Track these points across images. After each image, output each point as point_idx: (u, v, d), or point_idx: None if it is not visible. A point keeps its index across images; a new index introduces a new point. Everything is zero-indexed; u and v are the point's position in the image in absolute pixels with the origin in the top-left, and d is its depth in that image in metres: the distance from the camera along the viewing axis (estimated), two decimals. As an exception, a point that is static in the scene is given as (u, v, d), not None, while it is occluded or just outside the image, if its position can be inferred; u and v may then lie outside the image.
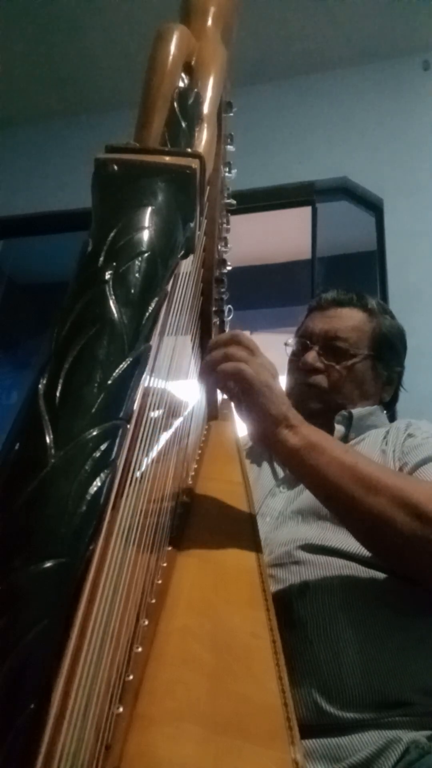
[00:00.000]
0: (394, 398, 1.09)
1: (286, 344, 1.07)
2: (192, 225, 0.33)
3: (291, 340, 1.07)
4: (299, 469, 0.66)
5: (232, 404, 0.75)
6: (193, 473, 0.79)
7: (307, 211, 2.27)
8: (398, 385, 1.08)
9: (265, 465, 0.99)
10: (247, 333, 0.70)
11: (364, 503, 0.61)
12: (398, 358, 1.06)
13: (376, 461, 0.80)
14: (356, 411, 0.96)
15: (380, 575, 0.72)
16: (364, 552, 0.72)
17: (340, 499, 0.63)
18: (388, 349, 1.03)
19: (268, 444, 0.68)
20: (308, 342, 1.01)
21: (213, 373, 0.66)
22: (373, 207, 2.16)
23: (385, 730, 0.60)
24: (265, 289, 2.53)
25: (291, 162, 2.27)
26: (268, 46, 2.28)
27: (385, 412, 1.06)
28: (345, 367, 0.98)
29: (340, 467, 0.63)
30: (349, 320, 1.01)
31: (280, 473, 0.95)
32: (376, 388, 1.03)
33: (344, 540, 0.74)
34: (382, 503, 0.61)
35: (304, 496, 0.84)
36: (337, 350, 0.99)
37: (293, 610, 0.69)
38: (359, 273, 2.26)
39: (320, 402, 0.97)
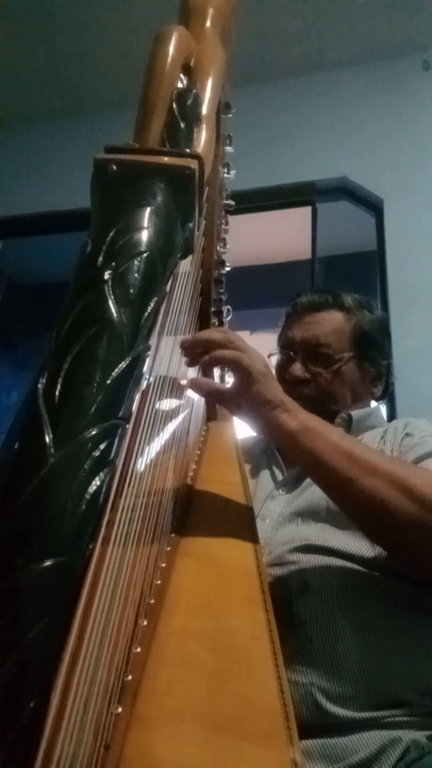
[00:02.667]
0: (386, 390, 1.08)
1: (269, 355, 1.06)
2: (191, 225, 0.34)
3: (274, 349, 1.07)
4: (297, 452, 0.67)
5: (227, 405, 0.74)
6: (191, 474, 0.79)
7: (307, 211, 2.27)
8: (389, 378, 1.08)
9: (265, 467, 0.99)
10: (246, 333, 0.70)
11: (360, 486, 0.62)
12: (383, 351, 1.06)
13: None
14: (355, 412, 0.96)
15: (380, 575, 0.72)
16: (364, 552, 0.72)
17: (337, 482, 0.64)
18: (372, 345, 1.02)
19: (267, 430, 0.69)
20: (291, 353, 1.01)
21: (206, 362, 0.66)
22: (373, 207, 2.17)
23: (385, 730, 0.60)
24: (265, 289, 2.53)
25: (291, 162, 2.27)
26: (268, 46, 2.28)
27: (384, 407, 1.06)
28: (332, 372, 0.98)
29: (337, 451, 0.64)
30: (327, 324, 1.01)
31: (279, 476, 0.95)
32: (367, 386, 1.03)
33: (344, 540, 0.74)
34: (379, 486, 0.61)
35: (304, 498, 0.84)
36: (321, 357, 0.98)
37: (293, 610, 0.69)
38: (359, 273, 2.26)
39: (315, 411, 0.97)
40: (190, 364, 0.69)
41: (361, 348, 1.00)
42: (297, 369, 0.98)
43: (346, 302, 1.03)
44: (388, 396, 1.10)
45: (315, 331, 1.00)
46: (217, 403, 0.77)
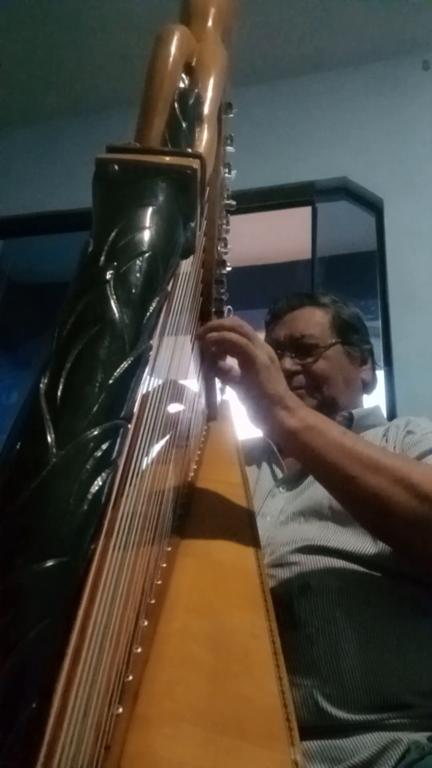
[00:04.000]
0: (374, 376, 1.11)
1: None
2: (192, 225, 0.33)
3: None
4: (298, 450, 0.66)
5: (234, 391, 0.75)
6: (192, 474, 0.79)
7: (307, 211, 2.27)
8: (374, 362, 1.11)
9: (265, 466, 0.99)
10: None
11: (363, 483, 0.62)
12: (364, 338, 1.10)
13: None
14: (356, 411, 0.97)
15: (382, 576, 0.72)
16: (366, 552, 0.72)
17: (339, 479, 0.63)
18: (352, 331, 1.07)
19: (267, 426, 0.69)
20: (278, 351, 1.02)
21: (219, 338, 0.67)
22: (373, 207, 2.16)
23: (385, 731, 0.60)
24: (265, 289, 2.53)
25: (291, 162, 2.27)
26: (268, 45, 2.28)
27: (384, 407, 1.07)
28: (319, 359, 1.01)
29: (339, 448, 0.64)
30: (308, 318, 1.05)
31: (279, 474, 0.96)
32: (355, 371, 1.06)
33: (346, 540, 0.74)
34: (382, 483, 0.61)
35: (305, 497, 0.84)
36: (307, 347, 1.02)
37: (294, 610, 0.69)
38: (359, 273, 2.26)
39: (311, 399, 0.99)
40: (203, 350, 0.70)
41: (342, 335, 1.04)
42: (287, 362, 1.00)
43: (322, 299, 1.09)
44: (376, 384, 1.13)
45: (296, 326, 1.04)
46: (227, 382, 0.77)
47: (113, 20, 2.26)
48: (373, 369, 1.11)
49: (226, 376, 0.75)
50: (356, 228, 2.25)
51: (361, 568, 0.72)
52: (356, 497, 0.64)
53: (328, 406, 0.98)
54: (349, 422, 0.95)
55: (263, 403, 0.67)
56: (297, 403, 0.68)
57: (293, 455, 0.73)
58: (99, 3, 2.22)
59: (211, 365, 0.77)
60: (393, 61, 2.29)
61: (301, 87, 2.38)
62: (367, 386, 1.09)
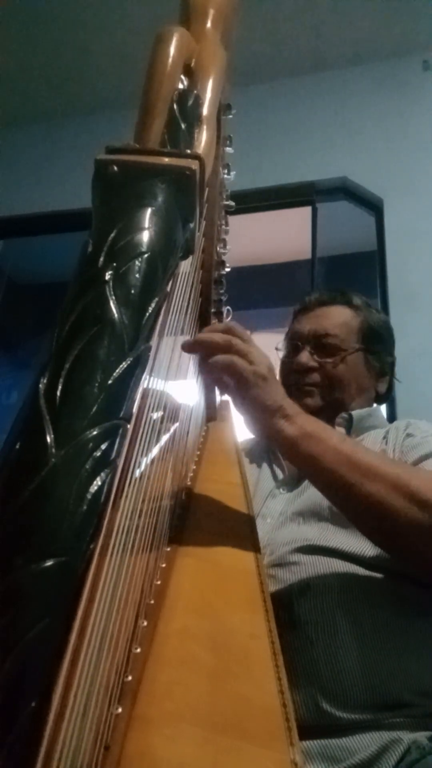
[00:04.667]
0: (390, 389, 1.10)
1: (276, 348, 1.08)
2: (192, 226, 0.34)
3: (281, 344, 1.08)
4: (297, 458, 0.66)
5: (231, 401, 0.75)
6: (191, 474, 0.79)
7: (307, 211, 2.27)
8: (392, 376, 1.09)
9: (265, 467, 0.99)
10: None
11: (362, 490, 0.61)
12: (388, 349, 1.08)
13: None
14: (356, 413, 0.97)
15: (382, 576, 0.72)
16: (366, 552, 0.72)
17: (339, 487, 0.63)
18: (378, 341, 1.04)
19: (266, 435, 0.68)
20: (299, 343, 1.02)
21: (205, 365, 0.66)
22: (373, 207, 2.16)
23: (385, 731, 0.60)
24: (265, 289, 2.53)
25: (291, 162, 2.27)
26: (269, 46, 2.28)
27: (383, 409, 1.07)
28: (338, 361, 0.99)
29: (337, 455, 0.63)
30: (336, 317, 1.03)
31: (280, 475, 0.95)
32: (371, 381, 1.04)
33: (345, 541, 0.74)
34: (381, 490, 0.61)
35: (305, 498, 0.84)
36: (328, 347, 1.00)
37: (294, 611, 0.69)
38: (359, 273, 2.26)
39: (320, 399, 0.98)
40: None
41: (367, 342, 1.02)
42: (304, 357, 0.99)
43: (355, 300, 1.06)
44: (389, 396, 1.11)
45: (323, 323, 1.02)
46: (224, 391, 0.76)
47: (113, 20, 2.26)
48: (391, 382, 1.09)
49: (223, 386, 0.74)
50: (356, 228, 2.25)
51: (361, 569, 0.72)
52: (355, 504, 0.64)
53: (334, 409, 0.97)
54: (349, 423, 0.95)
55: (261, 415, 0.66)
56: (295, 410, 0.67)
57: (293, 463, 0.72)
58: (99, 3, 2.22)
59: (206, 376, 0.76)
60: (393, 61, 2.29)
61: (301, 87, 2.38)
62: (380, 398, 1.07)
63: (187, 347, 0.64)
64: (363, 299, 1.07)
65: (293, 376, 1.00)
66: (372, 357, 1.03)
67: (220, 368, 0.65)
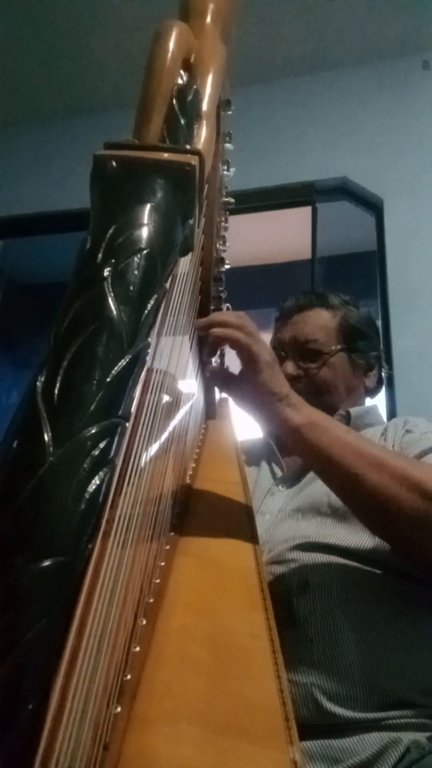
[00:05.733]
0: (380, 381, 1.10)
1: None
2: (191, 222, 0.33)
3: None
4: (302, 446, 0.66)
5: (231, 398, 0.75)
6: (190, 472, 0.79)
7: (307, 211, 2.27)
8: (380, 369, 1.09)
9: (264, 464, 0.99)
10: None
11: (367, 481, 0.62)
12: (372, 343, 1.08)
13: None
14: (354, 410, 0.97)
15: (381, 573, 0.72)
16: (365, 548, 0.72)
17: (344, 476, 0.63)
18: (359, 337, 1.05)
19: (271, 422, 0.68)
20: (282, 353, 1.02)
21: (222, 335, 0.66)
22: (373, 207, 2.16)
23: (385, 731, 0.60)
24: (265, 289, 2.53)
25: (291, 162, 2.27)
26: (269, 45, 2.28)
27: (384, 407, 1.07)
28: (322, 366, 1.00)
29: (343, 445, 0.64)
30: (314, 322, 1.04)
31: (279, 472, 0.95)
32: (359, 378, 1.05)
33: (345, 537, 0.74)
34: (385, 481, 0.61)
35: (305, 494, 0.84)
36: (311, 353, 1.01)
37: (293, 608, 0.69)
38: (359, 273, 2.25)
39: (313, 406, 0.98)
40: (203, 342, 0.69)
41: (348, 341, 1.03)
42: (289, 367, 1.00)
43: (331, 301, 1.06)
44: (382, 388, 1.12)
45: (302, 329, 1.03)
46: (222, 388, 0.77)
47: (113, 20, 2.26)
48: (380, 375, 1.09)
49: (224, 379, 0.75)
50: (356, 228, 2.25)
51: (361, 566, 0.72)
52: (359, 495, 0.64)
53: (328, 411, 0.97)
54: (347, 421, 0.95)
55: (267, 400, 0.67)
56: (300, 401, 0.68)
57: (297, 452, 0.73)
58: (100, 3, 2.22)
59: (208, 362, 0.76)
60: (393, 61, 2.29)
61: (301, 87, 2.38)
62: (371, 392, 1.08)
63: (203, 323, 0.65)
64: (341, 298, 1.08)
65: None
66: (355, 355, 1.03)
67: (231, 344, 0.66)
